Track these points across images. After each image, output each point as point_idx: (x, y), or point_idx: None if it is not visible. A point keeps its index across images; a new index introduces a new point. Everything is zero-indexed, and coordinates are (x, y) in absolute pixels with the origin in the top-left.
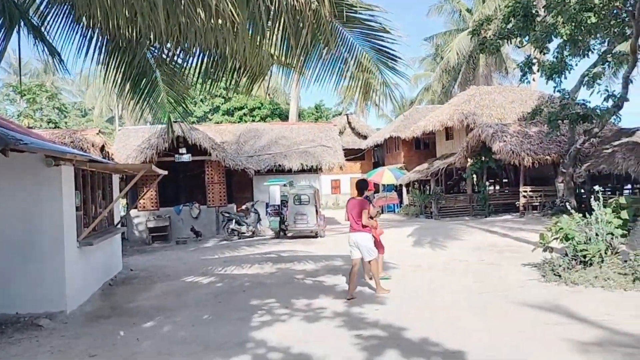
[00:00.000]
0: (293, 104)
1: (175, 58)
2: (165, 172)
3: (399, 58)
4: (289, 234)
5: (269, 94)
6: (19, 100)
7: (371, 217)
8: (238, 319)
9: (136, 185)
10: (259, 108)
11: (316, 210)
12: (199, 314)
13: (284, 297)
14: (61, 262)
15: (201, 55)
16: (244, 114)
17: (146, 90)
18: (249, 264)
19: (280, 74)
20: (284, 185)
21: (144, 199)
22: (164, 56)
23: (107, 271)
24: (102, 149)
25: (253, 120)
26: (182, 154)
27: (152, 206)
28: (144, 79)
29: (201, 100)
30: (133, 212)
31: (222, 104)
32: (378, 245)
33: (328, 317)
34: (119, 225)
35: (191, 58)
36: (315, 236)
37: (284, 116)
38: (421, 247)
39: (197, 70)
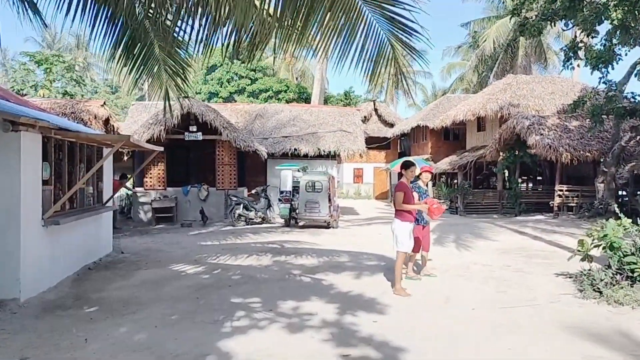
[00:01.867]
0: (316, 86)
1: (168, 16)
2: (160, 149)
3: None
4: (300, 223)
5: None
6: (36, 70)
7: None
8: (210, 322)
9: (143, 162)
10: (285, 91)
11: (329, 199)
12: (169, 311)
13: (271, 297)
14: (15, 242)
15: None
16: (269, 97)
17: (140, 58)
18: (246, 254)
19: (307, 57)
20: (297, 170)
21: (151, 178)
22: (157, 16)
23: (88, 254)
24: (107, 122)
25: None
26: (193, 132)
27: (160, 185)
28: (138, 44)
29: (227, 81)
30: (139, 190)
31: (248, 85)
32: (416, 242)
33: (314, 327)
34: (110, 204)
35: (183, 22)
36: (328, 227)
37: (310, 100)
38: (441, 246)
39: (194, 36)
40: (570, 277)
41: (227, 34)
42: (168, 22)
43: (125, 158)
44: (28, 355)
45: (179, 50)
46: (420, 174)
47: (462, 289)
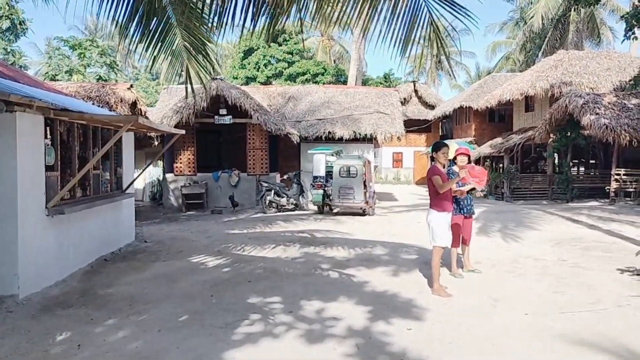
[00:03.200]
0: (352, 66)
1: None
2: (181, 132)
3: None
4: (334, 210)
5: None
6: (70, 55)
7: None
8: (220, 326)
9: (173, 147)
10: (322, 74)
11: (365, 185)
12: (177, 311)
13: (293, 296)
14: (13, 233)
15: None
16: (307, 80)
17: (157, 33)
18: (274, 244)
19: (345, 36)
20: (331, 154)
21: (181, 163)
22: None
23: (105, 244)
24: (134, 105)
25: None
26: (222, 115)
27: (190, 171)
28: (155, 19)
29: (264, 65)
30: (170, 176)
31: (285, 68)
32: (455, 233)
33: (337, 337)
34: (131, 190)
35: None
36: (363, 214)
37: (347, 83)
38: (486, 236)
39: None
40: (639, 275)
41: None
42: None
43: (156, 143)
44: None
45: (197, 24)
46: (455, 157)
47: (512, 289)
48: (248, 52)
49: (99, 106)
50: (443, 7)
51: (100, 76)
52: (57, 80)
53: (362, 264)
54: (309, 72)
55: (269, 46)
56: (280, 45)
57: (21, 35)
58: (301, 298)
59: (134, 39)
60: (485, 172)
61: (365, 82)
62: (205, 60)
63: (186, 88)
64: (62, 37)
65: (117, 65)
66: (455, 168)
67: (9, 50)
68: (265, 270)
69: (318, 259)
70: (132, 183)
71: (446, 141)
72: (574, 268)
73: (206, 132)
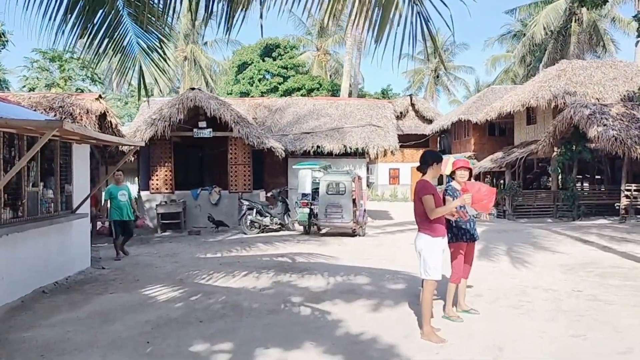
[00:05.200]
0: (345, 78)
1: None
2: (140, 144)
3: None
4: (323, 230)
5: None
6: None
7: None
8: None
9: (149, 163)
10: (317, 89)
11: (354, 203)
12: None
13: (249, 342)
14: None
15: None
16: (302, 95)
17: (104, 27)
18: (245, 270)
19: (340, 51)
20: (318, 169)
21: (157, 180)
22: None
23: (45, 273)
24: (104, 117)
25: None
26: (202, 128)
27: (167, 189)
28: (100, 11)
29: (259, 80)
30: (145, 194)
31: (280, 83)
32: (454, 266)
33: None
34: (84, 210)
35: None
36: (353, 234)
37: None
38: (488, 260)
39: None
40: None
41: None
42: None
43: (132, 159)
44: None
45: (152, 18)
46: (453, 172)
47: (521, 332)
48: (242, 67)
49: (60, 117)
50: None
51: (82, 90)
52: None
53: (340, 296)
54: (304, 87)
55: (227, 34)
56: (274, 59)
57: (1, 48)
58: (258, 345)
59: (74, 33)
60: (494, 191)
61: (361, 97)
62: (161, 59)
63: (139, 90)
64: (40, 49)
65: (100, 79)
66: (454, 184)
67: None
68: (225, 305)
69: (290, 290)
70: (84, 202)
71: (445, 156)
72: (593, 302)
73: (187, 146)
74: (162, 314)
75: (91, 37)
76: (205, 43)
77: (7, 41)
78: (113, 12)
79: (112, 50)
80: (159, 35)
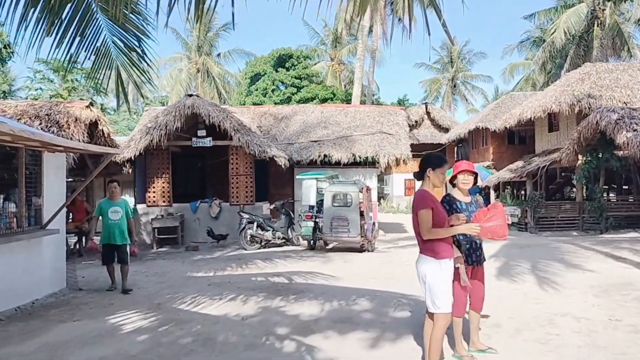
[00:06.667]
0: (357, 86)
1: None
2: (116, 151)
3: None
4: (329, 245)
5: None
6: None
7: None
8: None
9: (146, 174)
10: (331, 98)
11: (362, 216)
12: None
13: None
14: None
15: None
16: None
17: (74, 24)
18: (234, 293)
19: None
20: (324, 180)
21: (154, 192)
22: None
23: (4, 297)
24: (96, 126)
25: None
26: (201, 137)
27: (164, 201)
28: (68, 5)
29: (272, 91)
30: (141, 207)
31: (294, 94)
32: (456, 294)
33: None
34: (57, 226)
35: None
36: (361, 250)
37: None
38: (509, 280)
39: None
40: None
41: None
42: None
43: (130, 170)
44: None
45: (130, 15)
46: (454, 176)
47: None
48: (255, 78)
49: (46, 126)
50: None
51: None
52: None
53: (334, 326)
54: (318, 97)
55: (199, 27)
56: (288, 70)
57: (7, 60)
58: None
59: (39, 29)
60: (502, 209)
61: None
62: (140, 59)
63: (117, 94)
64: (43, 59)
65: (105, 90)
66: (455, 193)
67: None
68: (197, 339)
69: (277, 319)
70: (54, 216)
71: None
72: (635, 334)
73: (186, 156)
74: (120, 349)
75: (60, 34)
76: (219, 54)
77: (12, 52)
78: (84, 6)
79: (84, 50)
80: (137, 33)
